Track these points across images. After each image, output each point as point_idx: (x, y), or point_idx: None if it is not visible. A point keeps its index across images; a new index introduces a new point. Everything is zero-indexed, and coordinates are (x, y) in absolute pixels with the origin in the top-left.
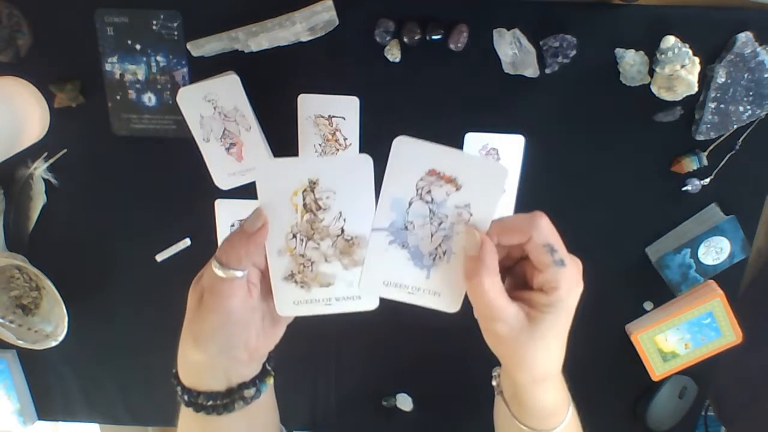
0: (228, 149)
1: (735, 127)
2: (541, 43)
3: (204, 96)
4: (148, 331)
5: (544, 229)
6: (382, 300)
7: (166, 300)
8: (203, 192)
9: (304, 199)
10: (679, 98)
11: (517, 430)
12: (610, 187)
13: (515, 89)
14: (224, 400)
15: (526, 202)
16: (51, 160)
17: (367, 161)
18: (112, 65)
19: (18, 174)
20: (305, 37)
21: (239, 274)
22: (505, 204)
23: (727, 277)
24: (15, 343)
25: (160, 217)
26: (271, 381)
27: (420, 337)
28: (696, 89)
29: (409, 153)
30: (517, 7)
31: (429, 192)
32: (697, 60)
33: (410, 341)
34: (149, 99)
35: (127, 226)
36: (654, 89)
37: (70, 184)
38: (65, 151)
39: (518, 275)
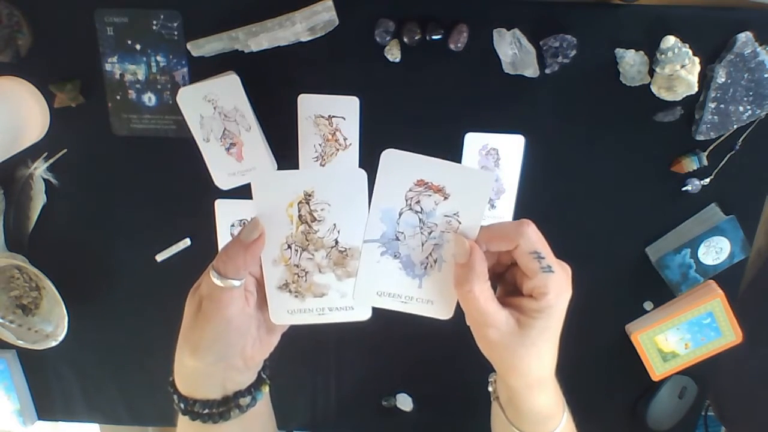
0: (228, 149)
1: (735, 127)
2: (541, 43)
3: (204, 96)
4: (148, 331)
5: (530, 237)
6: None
7: (166, 300)
8: (203, 192)
9: (299, 211)
10: (679, 98)
11: None
12: (610, 187)
13: (515, 89)
14: (220, 408)
15: (526, 202)
16: (51, 160)
17: (361, 175)
18: (112, 65)
19: (18, 174)
20: (305, 37)
21: (237, 283)
22: (506, 204)
23: (727, 277)
24: (15, 343)
25: (160, 217)
26: (266, 389)
27: (420, 338)
28: (696, 89)
29: (398, 165)
30: (517, 7)
31: (418, 202)
32: (697, 60)
33: (410, 341)
34: (149, 99)
35: (127, 226)
36: (654, 89)
37: (70, 184)
38: (65, 151)
39: (509, 282)
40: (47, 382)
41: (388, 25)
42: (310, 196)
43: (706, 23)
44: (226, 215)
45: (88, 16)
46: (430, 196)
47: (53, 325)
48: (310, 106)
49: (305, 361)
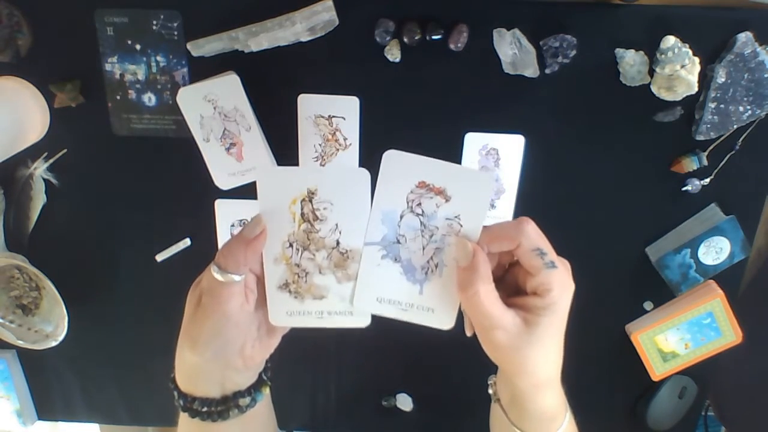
0: (228, 149)
1: (735, 127)
2: (541, 43)
3: (204, 96)
4: (148, 331)
5: (531, 234)
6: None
7: (166, 300)
8: (203, 192)
9: (302, 208)
10: (679, 98)
11: None
12: (610, 187)
13: (515, 89)
14: (219, 408)
15: (526, 202)
16: (51, 160)
17: (364, 175)
18: (112, 65)
19: (18, 174)
20: (305, 37)
21: (237, 278)
22: (506, 204)
23: (727, 277)
24: (15, 343)
25: (160, 217)
26: (267, 391)
27: (420, 338)
28: (696, 89)
29: (399, 166)
30: (517, 7)
31: (419, 204)
32: (697, 60)
33: (410, 342)
34: (149, 99)
35: (127, 226)
36: (654, 89)
37: (70, 184)
38: (65, 151)
39: (509, 283)
40: (47, 382)
41: (388, 25)
42: (313, 194)
43: (706, 23)
44: (226, 215)
45: (88, 16)
46: (431, 198)
47: (53, 325)
48: (310, 106)
49: (305, 361)
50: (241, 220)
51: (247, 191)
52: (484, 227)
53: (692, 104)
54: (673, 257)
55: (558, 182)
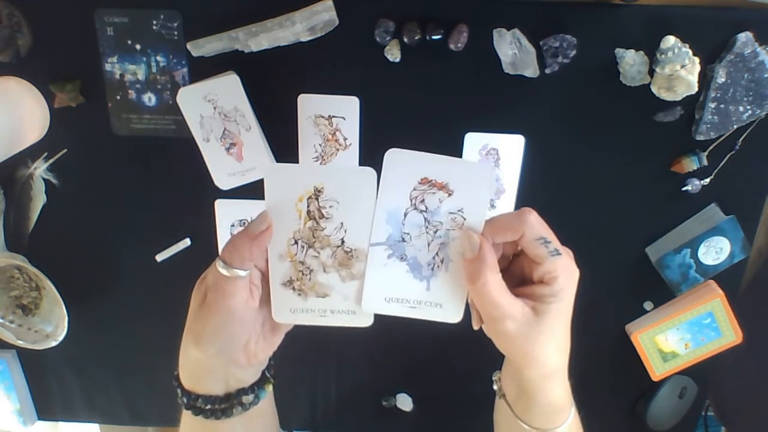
0: (228, 149)
1: (735, 127)
2: (541, 43)
3: (204, 96)
4: (148, 331)
5: (534, 224)
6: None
7: (167, 300)
8: (203, 192)
9: (308, 206)
10: (679, 98)
11: (520, 431)
12: (610, 187)
13: (515, 89)
14: (222, 405)
15: (526, 202)
16: (51, 160)
17: (371, 175)
18: (112, 65)
19: (18, 174)
20: (305, 37)
21: (242, 273)
22: (506, 204)
23: (727, 277)
24: (15, 343)
25: (160, 217)
26: (270, 388)
27: (420, 337)
28: (696, 89)
29: (402, 164)
30: (517, 7)
31: (423, 201)
32: (697, 60)
33: (410, 341)
34: (149, 99)
35: (127, 226)
36: (654, 89)
37: (70, 184)
38: (65, 151)
39: (514, 274)
40: (47, 382)
41: (388, 25)
42: (320, 192)
43: (706, 23)
44: (226, 215)
45: (88, 16)
46: (434, 194)
47: (53, 325)
48: (310, 106)
49: (306, 361)
50: (241, 220)
51: (247, 191)
52: (487, 220)
53: (692, 104)
54: (673, 257)
55: (558, 182)
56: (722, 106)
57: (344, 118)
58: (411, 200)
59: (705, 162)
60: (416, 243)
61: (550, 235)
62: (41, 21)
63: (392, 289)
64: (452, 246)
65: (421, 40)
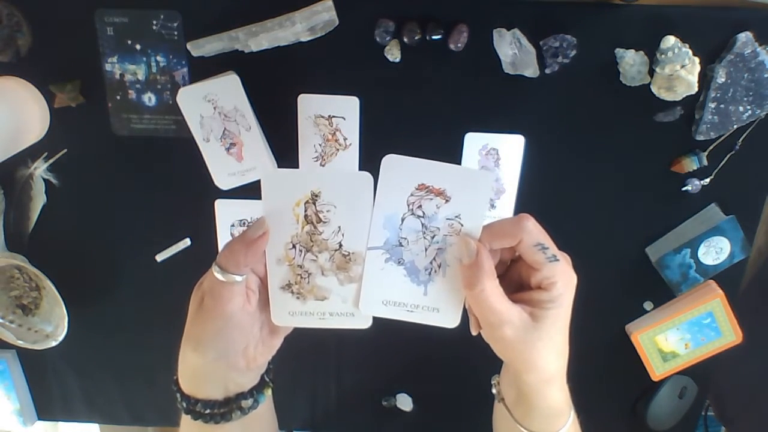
0: (228, 149)
1: (735, 127)
2: (541, 43)
3: (204, 96)
4: (148, 331)
5: (532, 230)
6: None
7: (166, 300)
8: (203, 192)
9: (305, 211)
10: (679, 98)
11: None
12: (610, 187)
13: (515, 89)
14: (221, 409)
15: (526, 202)
16: (51, 160)
17: (367, 179)
18: (112, 65)
19: (18, 174)
20: (305, 37)
21: (238, 278)
22: (506, 204)
23: (727, 277)
24: (15, 343)
25: (160, 217)
26: (269, 392)
27: (420, 338)
28: (696, 89)
29: (399, 170)
30: (517, 7)
31: (420, 206)
32: (697, 60)
33: (410, 342)
34: (149, 99)
35: (127, 226)
36: (654, 89)
37: (70, 184)
38: (65, 151)
39: (512, 280)
40: (47, 382)
41: (388, 25)
42: (317, 196)
43: (706, 23)
44: (226, 215)
45: (88, 16)
46: (431, 199)
47: (53, 325)
48: (310, 106)
49: (305, 361)
50: (241, 221)
51: (247, 191)
52: (485, 225)
53: (692, 104)
54: (673, 257)
55: (558, 182)
56: (722, 106)
57: (344, 118)
58: (408, 206)
59: (705, 162)
60: (413, 248)
61: (547, 240)
62: (41, 21)
63: (390, 292)
64: (449, 251)
65: (421, 40)
